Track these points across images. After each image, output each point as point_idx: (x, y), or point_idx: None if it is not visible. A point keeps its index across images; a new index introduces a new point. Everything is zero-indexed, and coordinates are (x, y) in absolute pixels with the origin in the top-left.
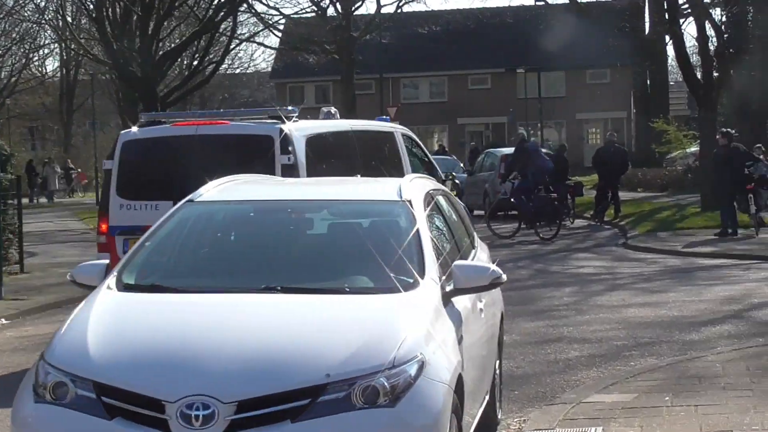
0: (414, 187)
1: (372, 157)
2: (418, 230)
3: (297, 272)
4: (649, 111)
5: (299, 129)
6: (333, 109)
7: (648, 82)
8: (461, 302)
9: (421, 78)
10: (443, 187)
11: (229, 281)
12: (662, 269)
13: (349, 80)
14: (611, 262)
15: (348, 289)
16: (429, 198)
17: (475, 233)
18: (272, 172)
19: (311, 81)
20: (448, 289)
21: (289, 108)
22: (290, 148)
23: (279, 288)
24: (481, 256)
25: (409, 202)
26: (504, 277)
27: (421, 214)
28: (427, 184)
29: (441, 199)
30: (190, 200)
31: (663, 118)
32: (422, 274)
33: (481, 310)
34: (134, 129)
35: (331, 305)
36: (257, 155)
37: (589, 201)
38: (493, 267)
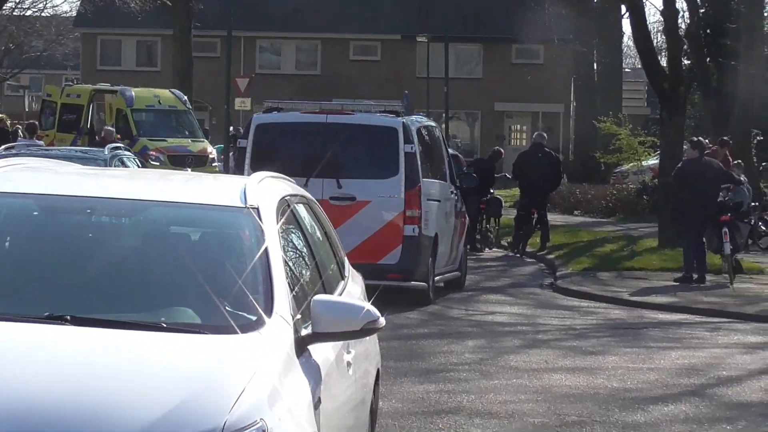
0: (264, 189)
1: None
2: (266, 249)
3: (95, 297)
4: (594, 106)
5: (411, 122)
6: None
7: (595, 67)
8: (322, 352)
9: (286, 41)
10: (304, 192)
11: None
12: (601, 323)
13: (184, 37)
14: (532, 308)
15: (165, 325)
16: (284, 206)
17: (346, 258)
18: (396, 160)
19: (131, 34)
20: (304, 332)
21: (399, 104)
22: (412, 138)
23: (68, 318)
24: (352, 290)
25: (256, 210)
26: (382, 320)
27: (271, 226)
28: (283, 186)
29: (301, 209)
30: None
31: (613, 117)
32: (269, 309)
33: (348, 364)
34: (261, 113)
35: (139, 345)
36: (382, 144)
37: (508, 224)
38: (368, 306)
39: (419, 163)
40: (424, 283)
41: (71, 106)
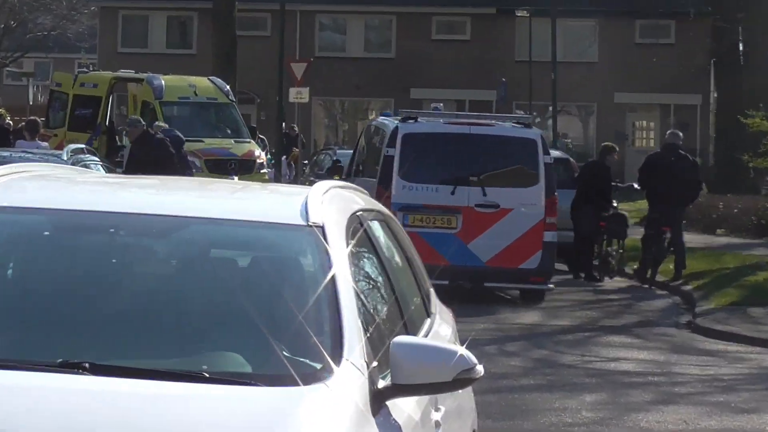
0: (330, 203)
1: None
2: (333, 278)
3: (120, 339)
4: (740, 98)
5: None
6: (440, 105)
7: (741, 47)
8: (404, 409)
9: (352, 16)
10: (380, 207)
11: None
12: (754, 372)
13: (226, 12)
14: (666, 353)
15: (207, 374)
16: (356, 223)
17: (432, 290)
18: (537, 170)
19: (161, 8)
20: (381, 384)
21: (526, 115)
22: (549, 149)
23: (86, 365)
24: (441, 330)
25: (321, 228)
26: (480, 368)
27: (340, 249)
28: (354, 199)
29: (377, 227)
30: None
31: (765, 111)
32: (337, 355)
33: (437, 424)
34: (404, 123)
35: (174, 400)
36: (521, 154)
37: (634, 246)
38: (462, 350)
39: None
40: (552, 286)
41: (86, 99)
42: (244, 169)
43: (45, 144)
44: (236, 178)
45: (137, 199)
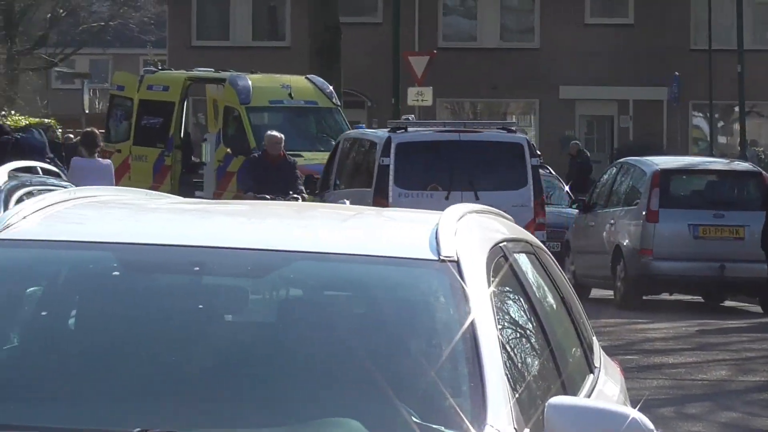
0: (467, 231)
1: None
2: (472, 325)
3: (207, 404)
4: None
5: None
6: (411, 116)
7: None
8: None
9: None
10: (528, 235)
11: (61, 416)
12: None
13: None
14: None
15: None
16: (499, 257)
17: (595, 340)
18: (525, 173)
19: None
20: None
21: (513, 121)
22: (537, 152)
23: None
24: (606, 389)
25: (456, 264)
26: None
27: (480, 290)
28: (495, 226)
29: (524, 261)
30: None
31: None
32: (480, 420)
33: None
34: (394, 133)
35: None
36: (509, 157)
37: None
38: (634, 413)
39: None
40: None
41: (155, 105)
42: None
43: (107, 162)
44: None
45: (226, 229)
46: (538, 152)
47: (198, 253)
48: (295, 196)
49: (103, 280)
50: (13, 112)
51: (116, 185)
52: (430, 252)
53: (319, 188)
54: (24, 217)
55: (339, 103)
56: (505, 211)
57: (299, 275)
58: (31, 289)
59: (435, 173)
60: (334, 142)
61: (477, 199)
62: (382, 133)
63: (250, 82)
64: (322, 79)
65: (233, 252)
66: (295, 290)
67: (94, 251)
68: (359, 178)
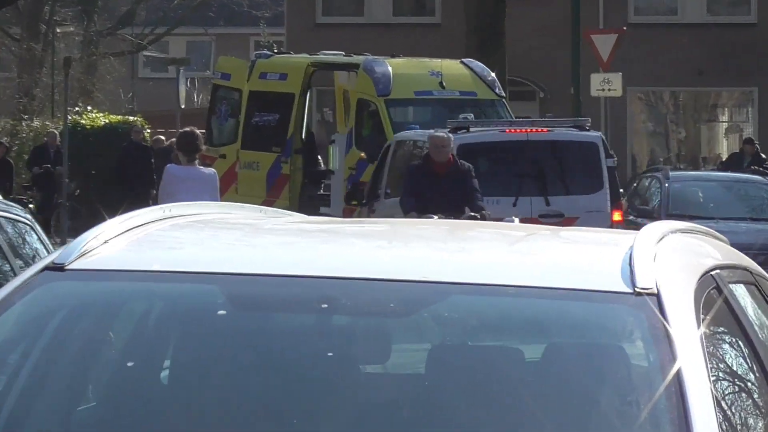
0: (671, 257)
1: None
2: (678, 377)
3: None
4: None
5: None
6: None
7: None
8: None
9: None
10: (748, 262)
11: None
12: None
13: None
14: None
15: None
16: (711, 288)
17: None
18: (600, 175)
19: None
20: None
21: (583, 119)
22: (611, 152)
23: None
24: None
25: (656, 298)
26: None
27: (687, 331)
28: (706, 249)
29: (741, 293)
30: (57, 266)
31: None
32: None
33: None
34: (456, 134)
35: None
36: (583, 158)
37: None
38: None
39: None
40: None
41: (269, 98)
42: None
43: (210, 171)
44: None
45: (362, 255)
46: (611, 152)
47: (326, 285)
48: (474, 215)
49: (206, 321)
50: (89, 108)
51: (221, 199)
52: (623, 283)
53: (367, 197)
54: (105, 242)
55: (503, 94)
56: (579, 218)
57: (456, 313)
58: (114, 333)
59: (501, 177)
60: None
61: (548, 205)
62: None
63: (390, 69)
64: (481, 64)
65: (371, 284)
66: (451, 332)
67: (194, 284)
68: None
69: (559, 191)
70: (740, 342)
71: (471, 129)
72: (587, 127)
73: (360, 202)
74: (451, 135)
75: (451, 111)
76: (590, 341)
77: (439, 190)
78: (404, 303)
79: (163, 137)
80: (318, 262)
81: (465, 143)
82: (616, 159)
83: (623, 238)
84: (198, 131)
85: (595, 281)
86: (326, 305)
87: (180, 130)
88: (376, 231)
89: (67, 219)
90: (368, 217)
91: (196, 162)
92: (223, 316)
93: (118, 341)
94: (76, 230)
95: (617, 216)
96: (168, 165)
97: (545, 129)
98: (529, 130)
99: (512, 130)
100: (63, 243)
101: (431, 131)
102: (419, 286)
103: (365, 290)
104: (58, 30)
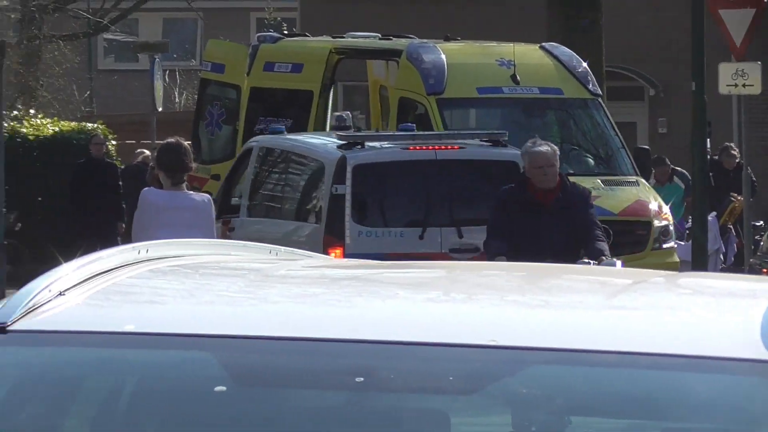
0: None
1: None
2: None
3: None
4: None
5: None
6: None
7: None
8: None
9: None
10: None
11: None
12: None
13: None
14: None
15: None
16: None
17: None
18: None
19: None
20: None
21: (499, 132)
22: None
23: None
24: None
25: None
26: None
27: None
28: None
29: None
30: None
31: None
32: None
33: None
34: (349, 150)
35: None
36: (501, 180)
37: None
38: None
39: None
40: None
41: (278, 96)
42: (629, 241)
43: (202, 198)
44: (619, 263)
45: (408, 311)
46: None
47: (361, 352)
48: (588, 261)
49: (198, 401)
50: (32, 111)
51: (218, 236)
52: (764, 349)
53: (218, 210)
54: (60, 293)
55: (599, 92)
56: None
57: (536, 389)
58: (73, 417)
59: (406, 204)
60: (591, 159)
61: (461, 237)
62: (324, 147)
63: (443, 57)
64: (569, 51)
65: (421, 350)
66: (530, 414)
67: (181, 351)
68: (287, 206)
69: (474, 221)
70: None
71: (366, 144)
72: (504, 143)
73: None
74: (555, 148)
75: (529, 115)
76: (719, 427)
77: (543, 227)
78: (467, 375)
79: (147, 151)
80: (349, 322)
81: (361, 163)
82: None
83: (761, 287)
84: (185, 143)
85: (725, 346)
86: (361, 379)
87: (162, 143)
88: (426, 278)
89: (5, 263)
90: (222, 236)
91: (184, 185)
92: (222, 393)
93: (77, 427)
94: (18, 279)
95: None
96: (144, 189)
97: (456, 147)
98: (437, 147)
99: (417, 147)
100: (1, 296)
101: (528, 144)
102: (487, 353)
103: (413, 359)
104: None
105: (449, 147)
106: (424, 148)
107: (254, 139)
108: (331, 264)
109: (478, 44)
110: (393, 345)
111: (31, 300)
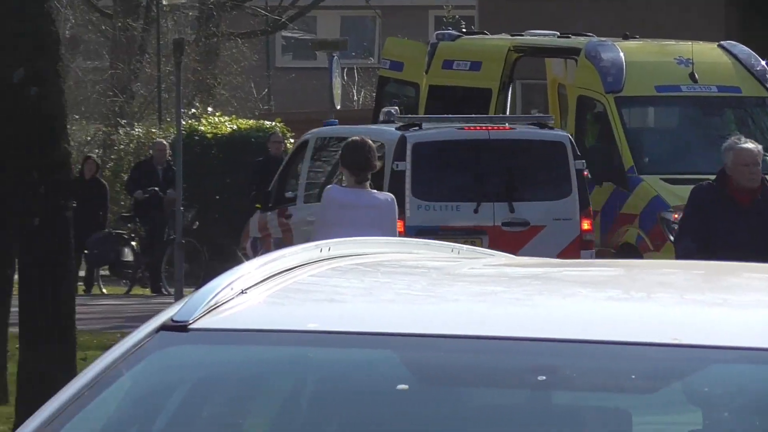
0: None
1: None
2: None
3: None
4: None
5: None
6: (394, 109)
7: None
8: None
9: None
10: None
11: None
12: None
13: None
14: None
15: None
16: None
17: None
18: (568, 179)
19: None
20: None
21: (546, 116)
22: (579, 153)
23: None
24: None
25: None
26: None
27: None
28: None
29: None
30: (176, 325)
31: None
32: None
33: None
34: (407, 131)
35: None
36: (549, 160)
37: None
38: None
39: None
40: None
41: (457, 94)
42: None
43: (385, 197)
44: None
45: (590, 310)
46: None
47: (543, 351)
48: None
49: (381, 399)
50: (210, 109)
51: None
52: None
53: (274, 201)
54: (242, 292)
55: None
56: (546, 227)
57: (719, 387)
58: (255, 415)
59: (461, 180)
60: None
61: (512, 212)
62: (382, 129)
63: (622, 55)
64: (747, 49)
65: (603, 349)
66: (714, 414)
67: (363, 349)
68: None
69: (525, 197)
70: None
71: (423, 126)
72: (551, 125)
73: (265, 205)
74: (761, 147)
75: (707, 113)
76: None
77: (740, 228)
78: (649, 374)
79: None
80: (530, 320)
81: (419, 141)
82: (584, 162)
83: None
84: (370, 141)
85: None
86: (543, 377)
87: (347, 140)
88: (606, 276)
89: (183, 262)
90: (279, 224)
91: (368, 184)
92: (404, 392)
93: (259, 426)
94: (197, 277)
95: (586, 225)
96: (328, 187)
97: (507, 127)
98: (490, 128)
99: (472, 128)
100: (179, 295)
101: (732, 140)
102: (669, 352)
103: (595, 357)
104: (164, 2)
105: (501, 127)
106: (477, 128)
107: (309, 131)
108: (512, 263)
109: (657, 42)
110: (575, 343)
111: (212, 298)
